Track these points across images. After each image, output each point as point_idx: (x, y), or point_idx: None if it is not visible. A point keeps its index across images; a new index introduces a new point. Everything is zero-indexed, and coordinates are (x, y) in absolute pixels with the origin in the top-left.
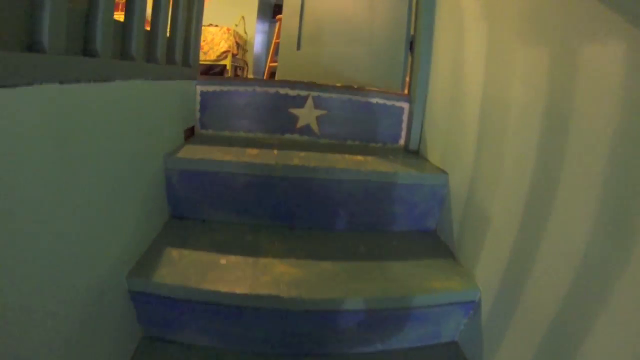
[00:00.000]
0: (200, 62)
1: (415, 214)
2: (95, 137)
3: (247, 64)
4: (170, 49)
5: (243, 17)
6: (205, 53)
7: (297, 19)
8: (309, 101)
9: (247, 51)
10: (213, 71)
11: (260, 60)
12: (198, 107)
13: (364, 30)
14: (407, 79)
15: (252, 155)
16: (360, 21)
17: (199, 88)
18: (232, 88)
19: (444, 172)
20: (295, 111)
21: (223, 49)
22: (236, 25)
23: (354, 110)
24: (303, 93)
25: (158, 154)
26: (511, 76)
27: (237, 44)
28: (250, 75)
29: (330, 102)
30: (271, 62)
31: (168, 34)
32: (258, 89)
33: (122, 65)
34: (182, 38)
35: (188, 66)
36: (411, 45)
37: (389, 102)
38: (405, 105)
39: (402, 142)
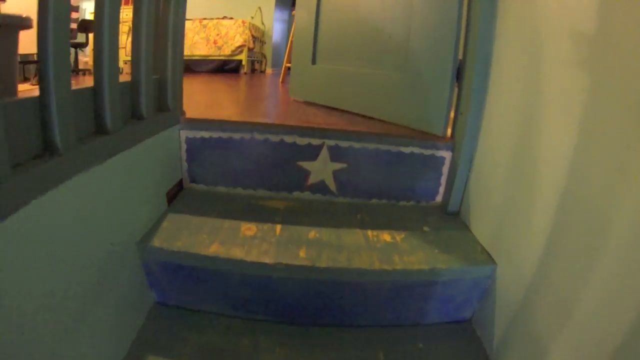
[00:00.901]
0: (214, 58)
1: (450, 307)
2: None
3: (265, 57)
4: (134, 98)
5: (260, 8)
6: (219, 48)
7: (312, 26)
8: (324, 152)
9: (264, 43)
10: (228, 66)
11: (279, 50)
12: (185, 156)
13: (397, 48)
14: (452, 116)
15: (247, 236)
16: (394, 36)
17: (184, 134)
18: (224, 135)
19: (492, 260)
20: (305, 165)
21: (238, 44)
22: (252, 18)
23: (382, 162)
24: (316, 142)
25: (132, 239)
26: (627, 170)
27: (254, 37)
28: (269, 70)
29: (351, 153)
30: (288, 61)
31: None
32: (258, 136)
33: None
34: (151, 80)
35: (166, 110)
36: (458, 73)
37: (426, 152)
38: (447, 155)
39: (439, 199)
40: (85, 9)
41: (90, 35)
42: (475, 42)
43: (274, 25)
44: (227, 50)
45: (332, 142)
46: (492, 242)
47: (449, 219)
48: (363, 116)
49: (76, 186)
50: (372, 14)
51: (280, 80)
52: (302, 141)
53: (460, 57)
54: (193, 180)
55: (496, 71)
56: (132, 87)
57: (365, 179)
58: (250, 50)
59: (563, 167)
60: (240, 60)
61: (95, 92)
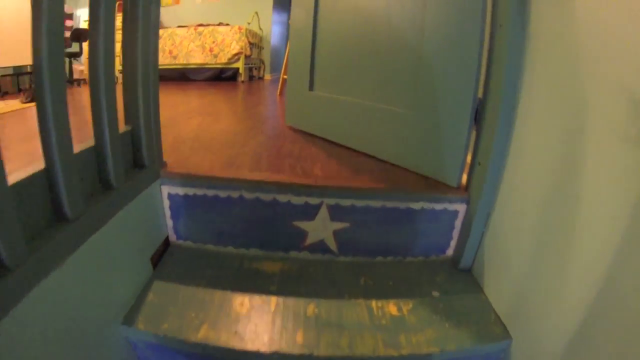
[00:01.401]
0: (210, 66)
1: None
2: None
3: (263, 63)
4: (100, 165)
5: (257, 13)
6: (215, 56)
7: (309, 47)
8: (323, 211)
9: (263, 48)
10: (225, 74)
11: (278, 54)
12: (168, 213)
13: (407, 80)
14: (468, 161)
15: (240, 315)
16: (403, 66)
17: (165, 190)
18: (209, 192)
19: (507, 334)
20: (302, 225)
21: (235, 51)
22: (249, 24)
23: (389, 219)
24: (313, 201)
25: (117, 315)
26: None
27: (251, 44)
28: (268, 76)
29: (353, 212)
30: (285, 72)
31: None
32: (247, 194)
33: None
34: (118, 139)
35: (142, 167)
36: (477, 114)
37: (438, 206)
38: (461, 207)
39: (450, 252)
40: (79, 16)
41: (85, 44)
42: (499, 79)
43: (272, 29)
44: (223, 58)
45: (331, 201)
46: (509, 312)
47: (461, 277)
48: (368, 156)
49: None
50: (378, 37)
51: (278, 92)
52: (298, 200)
53: (480, 95)
54: (180, 237)
55: (523, 116)
56: (97, 151)
57: (369, 238)
58: (247, 57)
59: (601, 254)
60: (237, 69)
61: (48, 172)
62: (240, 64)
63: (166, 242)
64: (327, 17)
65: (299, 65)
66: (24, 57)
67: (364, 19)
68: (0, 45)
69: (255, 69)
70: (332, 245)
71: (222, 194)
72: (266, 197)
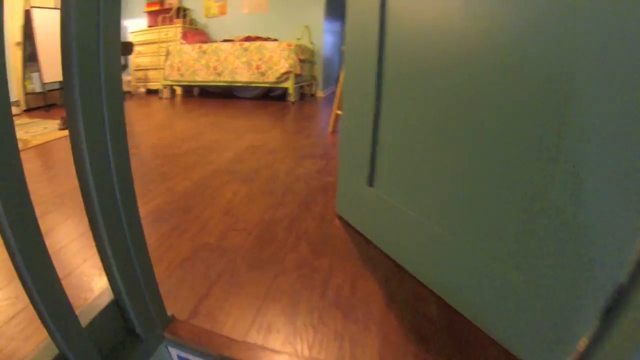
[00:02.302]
0: (257, 84)
1: None
2: None
3: (315, 79)
4: None
5: (307, 27)
6: (262, 74)
7: (370, 124)
8: None
9: (314, 64)
10: (274, 93)
11: (331, 67)
12: None
13: (522, 209)
14: None
15: None
16: (520, 180)
17: (175, 352)
18: None
19: None
20: None
21: (283, 70)
22: (298, 39)
23: None
24: None
25: None
26: None
27: (301, 61)
28: (320, 94)
29: None
30: (338, 107)
31: None
32: None
33: None
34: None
35: (137, 339)
36: None
37: None
38: None
39: None
40: (126, 27)
41: (130, 57)
42: None
43: (324, 38)
44: (271, 77)
45: None
46: None
47: None
48: (449, 307)
49: None
50: (481, 119)
51: (330, 129)
52: None
53: None
54: None
55: None
56: None
57: None
58: (297, 76)
59: None
60: (287, 88)
61: None
62: (289, 84)
63: None
64: (400, 66)
65: (354, 144)
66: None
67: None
68: (48, 62)
69: (307, 86)
70: None
71: None
72: None
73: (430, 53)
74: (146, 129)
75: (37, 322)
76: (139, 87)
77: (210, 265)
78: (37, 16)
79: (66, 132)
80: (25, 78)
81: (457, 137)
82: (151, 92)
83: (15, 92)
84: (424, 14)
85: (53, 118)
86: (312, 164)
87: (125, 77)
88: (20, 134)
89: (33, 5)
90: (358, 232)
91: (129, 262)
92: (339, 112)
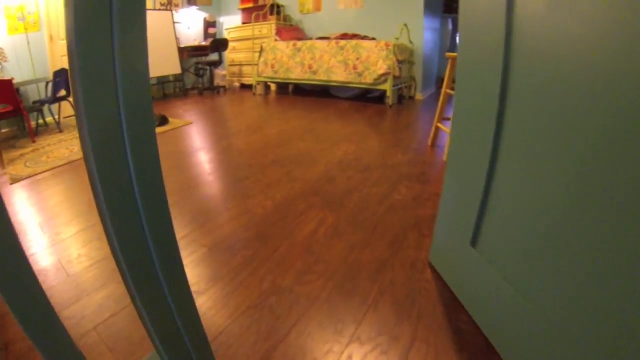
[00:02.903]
0: (354, 85)
1: None
2: None
3: (414, 80)
4: None
5: (405, 25)
6: (359, 74)
7: (484, 163)
8: None
9: (414, 64)
10: (372, 94)
11: (431, 66)
12: None
13: None
14: None
15: None
16: None
17: None
18: None
19: None
20: None
21: (381, 71)
22: (397, 39)
23: None
24: None
25: None
26: None
27: (399, 62)
28: (419, 96)
29: None
30: (439, 119)
31: None
32: None
33: None
34: None
35: None
36: None
37: None
38: None
39: None
40: (222, 23)
41: (225, 53)
42: None
43: (424, 36)
44: (368, 78)
45: None
46: None
47: None
48: None
49: None
50: None
51: (430, 142)
52: None
53: None
54: None
55: None
56: None
57: None
58: (396, 78)
59: None
60: (385, 90)
61: None
62: (387, 86)
63: None
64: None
65: (460, 193)
66: (165, 69)
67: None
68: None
69: (406, 87)
70: None
71: None
72: None
73: (584, 82)
74: (236, 129)
75: None
76: (233, 82)
77: (279, 318)
78: None
79: (157, 130)
80: None
81: (608, 211)
82: (245, 87)
83: None
84: (580, 24)
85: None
86: (407, 188)
87: (220, 72)
88: None
89: None
90: (449, 289)
91: (172, 330)
92: (439, 125)
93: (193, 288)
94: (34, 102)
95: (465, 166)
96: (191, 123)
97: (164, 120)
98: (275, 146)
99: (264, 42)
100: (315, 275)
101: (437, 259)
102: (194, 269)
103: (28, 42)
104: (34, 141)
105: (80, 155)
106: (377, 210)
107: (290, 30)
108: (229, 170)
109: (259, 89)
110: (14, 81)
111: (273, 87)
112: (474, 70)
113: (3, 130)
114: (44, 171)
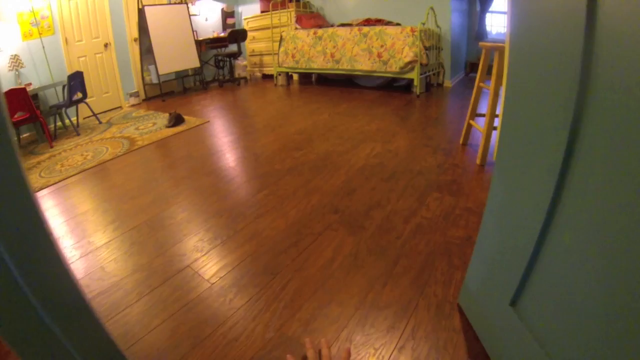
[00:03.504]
0: (379, 74)
1: None
2: None
3: (442, 67)
4: None
5: (432, 8)
6: (384, 63)
7: (540, 209)
8: None
9: (442, 49)
10: (398, 83)
11: (459, 51)
12: None
13: None
14: None
15: None
16: None
17: None
18: None
19: None
20: None
21: (407, 59)
22: (423, 24)
23: None
24: None
25: None
26: None
27: (426, 48)
28: (448, 83)
29: None
30: (472, 115)
31: None
32: None
33: None
34: None
35: None
36: None
37: None
38: None
39: None
40: (241, 12)
41: (244, 43)
42: None
43: (452, 19)
44: (394, 67)
45: None
46: None
47: None
48: None
49: None
50: None
51: (461, 141)
52: None
53: None
54: None
55: None
56: None
57: None
58: (423, 65)
59: None
60: (412, 79)
61: None
62: (414, 74)
63: None
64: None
65: (504, 239)
66: (182, 63)
67: None
68: (162, 56)
69: (433, 74)
70: None
71: None
72: None
73: None
74: (254, 127)
75: None
76: (254, 72)
77: None
78: (149, 13)
79: (172, 131)
80: (143, 70)
81: None
82: (266, 77)
83: (135, 83)
84: None
85: (166, 110)
86: (437, 202)
87: (241, 63)
88: (131, 130)
89: (145, 4)
90: (479, 342)
91: None
92: (472, 122)
93: (184, 336)
94: (51, 107)
95: (514, 207)
96: (208, 122)
97: (178, 120)
98: (294, 148)
99: (283, 31)
100: (328, 321)
101: (468, 304)
102: (190, 313)
103: (43, 47)
104: (51, 146)
105: (91, 164)
106: (402, 231)
107: (310, 17)
108: (241, 183)
109: (281, 80)
110: (32, 87)
111: (295, 77)
112: (536, 66)
113: (24, 136)
114: (56, 182)
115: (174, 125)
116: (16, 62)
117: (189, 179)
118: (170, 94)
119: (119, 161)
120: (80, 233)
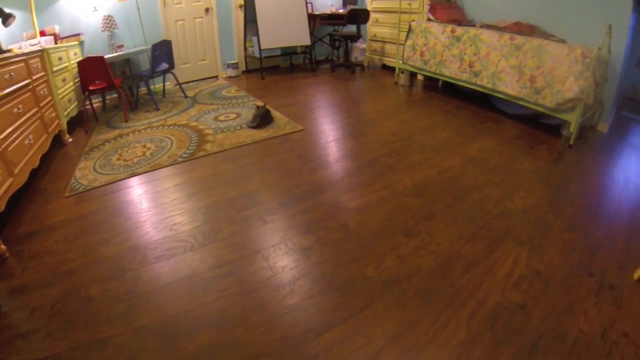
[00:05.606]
0: (528, 105)
1: None
2: None
3: (601, 105)
4: None
5: (610, 27)
6: (537, 91)
7: None
8: None
9: (606, 81)
10: (547, 121)
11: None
12: None
13: None
14: None
15: None
16: None
17: None
18: None
19: None
20: None
21: (570, 95)
22: (600, 49)
23: None
24: None
25: None
26: None
27: (596, 83)
28: (603, 126)
29: None
30: None
31: None
32: None
33: None
34: None
35: None
36: None
37: None
38: None
39: None
40: None
41: (366, 25)
42: None
43: (626, 46)
44: (548, 99)
45: None
46: None
47: None
48: None
49: None
50: None
51: (636, 277)
52: None
53: None
54: None
55: None
56: None
57: None
58: (587, 106)
59: None
60: (566, 121)
61: None
62: (573, 117)
63: None
64: None
65: None
66: (291, 39)
67: None
68: (266, 29)
69: (588, 117)
70: None
71: None
72: None
73: None
74: (355, 157)
75: None
76: (374, 59)
77: None
78: None
79: (252, 135)
80: (246, 40)
81: None
82: (386, 68)
83: (237, 53)
84: None
85: (261, 93)
86: None
87: (360, 45)
88: (209, 120)
89: None
90: None
91: None
92: None
93: None
94: (135, 76)
95: None
96: (302, 130)
97: (265, 120)
98: (401, 225)
99: (413, 21)
100: None
101: None
102: None
103: (138, 8)
104: (126, 120)
105: (145, 167)
106: None
107: (447, 7)
108: (322, 284)
109: (403, 79)
110: (124, 49)
111: (420, 77)
112: None
113: (110, 97)
114: (98, 187)
115: (257, 127)
116: (109, 23)
117: (237, 259)
118: (274, 69)
119: (173, 171)
120: None
